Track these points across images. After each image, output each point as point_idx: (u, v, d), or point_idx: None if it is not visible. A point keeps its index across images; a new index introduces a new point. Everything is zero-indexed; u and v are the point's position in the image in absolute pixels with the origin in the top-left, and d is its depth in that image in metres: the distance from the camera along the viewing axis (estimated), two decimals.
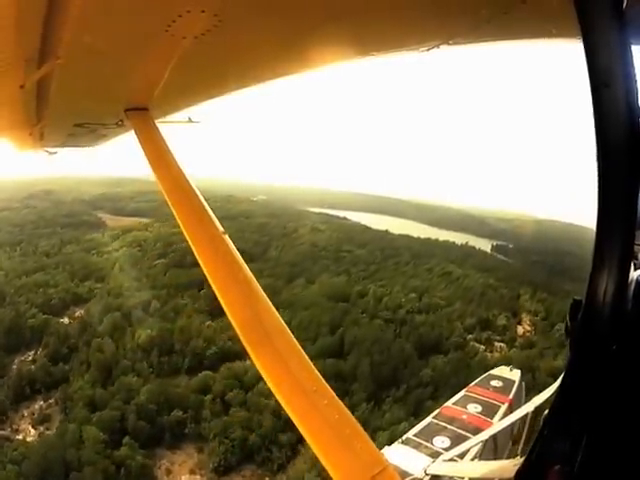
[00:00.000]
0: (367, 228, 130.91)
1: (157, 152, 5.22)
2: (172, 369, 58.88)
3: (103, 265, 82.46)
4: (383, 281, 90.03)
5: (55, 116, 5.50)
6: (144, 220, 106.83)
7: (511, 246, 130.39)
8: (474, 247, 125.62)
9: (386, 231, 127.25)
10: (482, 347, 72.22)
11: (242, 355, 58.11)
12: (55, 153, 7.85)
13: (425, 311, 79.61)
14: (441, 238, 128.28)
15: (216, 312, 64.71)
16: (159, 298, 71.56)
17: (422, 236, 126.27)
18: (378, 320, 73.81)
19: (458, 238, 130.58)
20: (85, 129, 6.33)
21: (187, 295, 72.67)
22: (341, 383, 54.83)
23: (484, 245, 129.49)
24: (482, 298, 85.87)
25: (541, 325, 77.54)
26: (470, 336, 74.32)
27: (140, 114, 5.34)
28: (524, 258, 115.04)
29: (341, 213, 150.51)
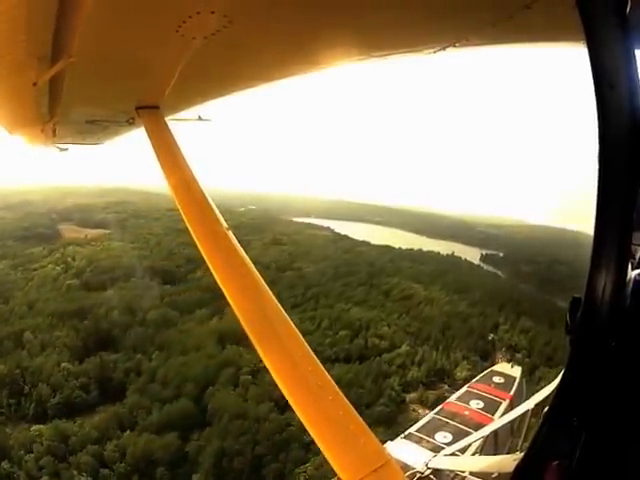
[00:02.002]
0: (344, 238, 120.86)
1: (166, 150, 5.29)
2: (21, 414, 50.04)
3: (18, 284, 76.25)
4: (315, 311, 72.51)
5: (67, 113, 5.56)
6: (103, 231, 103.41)
7: (501, 255, 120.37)
8: (460, 257, 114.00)
9: (364, 241, 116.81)
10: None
11: (85, 409, 50.46)
12: (66, 150, 7.93)
13: (353, 359, 59.81)
14: (428, 247, 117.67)
15: (89, 348, 58.32)
16: (36, 328, 62.04)
17: (406, 246, 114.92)
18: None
19: (446, 247, 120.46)
20: (96, 126, 6.39)
21: (68, 325, 62.81)
22: (176, 470, 42.86)
23: (473, 254, 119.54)
24: (444, 334, 67.07)
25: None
26: (412, 396, 54.61)
27: (151, 112, 5.40)
28: (514, 268, 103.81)
29: (328, 222, 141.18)
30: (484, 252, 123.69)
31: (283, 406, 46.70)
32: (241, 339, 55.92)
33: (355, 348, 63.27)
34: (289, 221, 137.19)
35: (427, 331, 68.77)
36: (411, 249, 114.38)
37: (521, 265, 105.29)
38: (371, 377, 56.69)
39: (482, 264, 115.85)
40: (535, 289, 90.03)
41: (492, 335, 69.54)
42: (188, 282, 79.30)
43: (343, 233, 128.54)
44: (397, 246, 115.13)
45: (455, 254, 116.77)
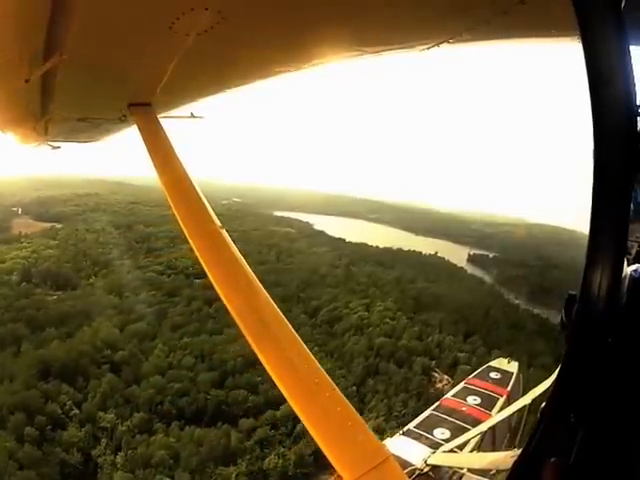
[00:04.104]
0: (314, 236, 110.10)
1: (159, 147, 5.26)
2: None
3: None
4: (195, 337, 55.13)
5: (59, 111, 5.53)
6: (45, 226, 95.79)
7: (491, 256, 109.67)
8: (442, 258, 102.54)
9: (339, 239, 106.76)
10: None
11: None
12: (58, 148, 7.88)
13: (199, 419, 42.35)
14: (413, 245, 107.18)
15: None
16: None
17: (387, 244, 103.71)
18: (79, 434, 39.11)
19: (433, 246, 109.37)
20: (88, 124, 6.37)
21: None
22: None
23: (461, 254, 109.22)
24: (360, 387, 48.44)
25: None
26: None
27: (143, 109, 5.38)
28: (503, 272, 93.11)
29: (313, 217, 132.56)
30: (473, 252, 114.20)
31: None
32: (71, 372, 47.29)
33: (211, 403, 43.42)
34: (263, 215, 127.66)
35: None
36: (389, 248, 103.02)
37: (511, 268, 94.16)
38: (199, 457, 37.78)
39: (468, 266, 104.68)
40: (523, 299, 79.67)
41: (442, 380, 50.51)
42: (81, 289, 68.75)
43: (320, 229, 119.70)
44: (375, 244, 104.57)
45: (439, 254, 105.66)
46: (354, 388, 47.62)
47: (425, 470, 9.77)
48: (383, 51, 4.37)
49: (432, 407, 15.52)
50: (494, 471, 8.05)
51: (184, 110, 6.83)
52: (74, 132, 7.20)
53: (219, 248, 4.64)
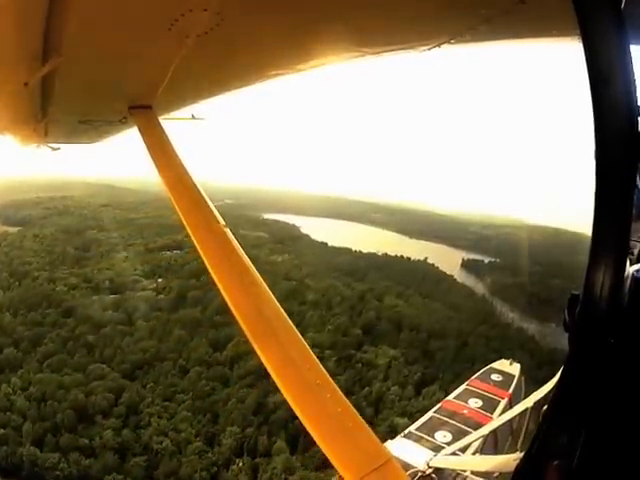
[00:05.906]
0: (298, 239, 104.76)
1: (160, 149, 5.27)
2: None
3: None
4: (60, 372, 49.19)
5: (59, 113, 5.54)
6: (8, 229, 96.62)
7: (487, 261, 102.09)
8: (432, 265, 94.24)
9: (321, 243, 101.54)
10: None
11: None
12: (58, 149, 7.90)
13: None
14: (403, 250, 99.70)
15: None
16: None
17: (373, 249, 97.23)
18: None
19: (425, 250, 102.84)
20: (89, 126, 6.38)
21: None
22: None
23: (454, 259, 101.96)
24: (222, 471, 34.96)
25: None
26: None
27: (144, 111, 5.39)
28: (497, 280, 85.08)
29: (302, 220, 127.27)
30: (467, 257, 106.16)
31: None
32: None
33: (27, 461, 37.28)
34: (247, 217, 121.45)
35: (189, 461, 33.48)
36: (374, 253, 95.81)
37: (508, 275, 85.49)
38: None
39: (460, 273, 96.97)
40: (518, 312, 71.13)
41: None
42: None
43: (305, 233, 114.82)
44: (358, 249, 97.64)
45: (430, 259, 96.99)
46: (209, 472, 32.82)
47: (428, 472, 9.73)
48: (383, 52, 4.38)
49: (433, 410, 15.47)
50: (497, 474, 8.02)
51: (185, 111, 6.85)
52: (74, 134, 7.22)
53: (223, 247, 4.65)
